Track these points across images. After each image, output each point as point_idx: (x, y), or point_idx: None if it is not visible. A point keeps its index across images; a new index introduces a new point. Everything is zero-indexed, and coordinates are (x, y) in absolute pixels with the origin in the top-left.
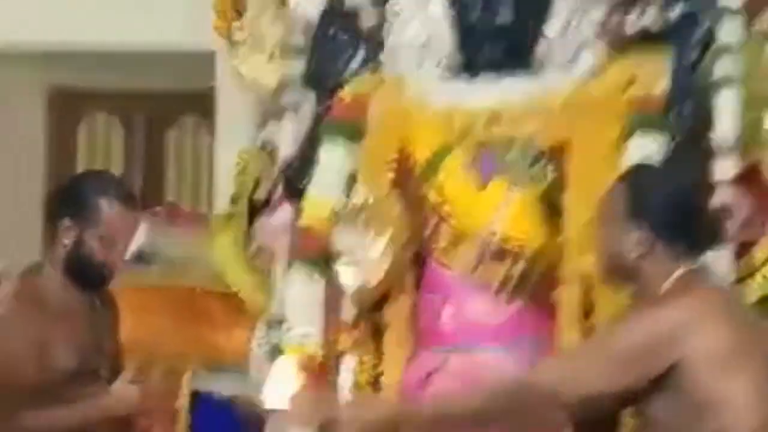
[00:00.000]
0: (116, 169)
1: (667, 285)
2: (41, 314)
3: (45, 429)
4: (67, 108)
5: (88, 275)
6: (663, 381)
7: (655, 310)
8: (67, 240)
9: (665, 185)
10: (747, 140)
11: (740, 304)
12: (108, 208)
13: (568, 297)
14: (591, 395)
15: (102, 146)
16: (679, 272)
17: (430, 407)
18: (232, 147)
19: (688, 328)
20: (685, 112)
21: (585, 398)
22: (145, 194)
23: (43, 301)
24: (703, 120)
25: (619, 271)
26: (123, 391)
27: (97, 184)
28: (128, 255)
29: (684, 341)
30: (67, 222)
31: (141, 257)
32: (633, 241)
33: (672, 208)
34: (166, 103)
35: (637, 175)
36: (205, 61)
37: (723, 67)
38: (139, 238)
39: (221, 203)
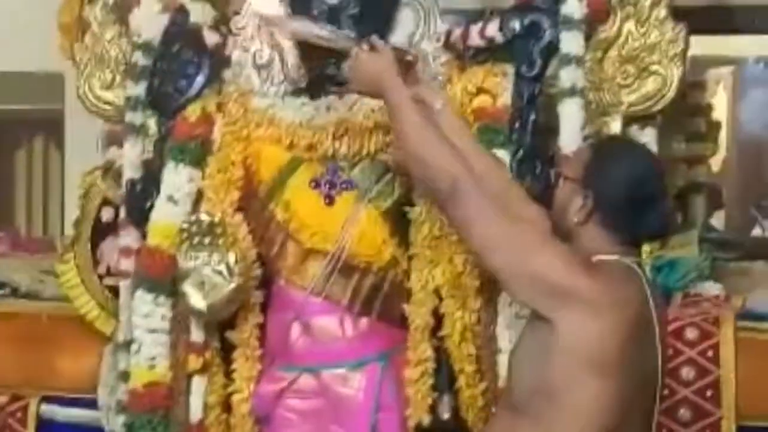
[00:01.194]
0: None
1: (601, 256)
2: None
3: None
4: None
5: None
6: (535, 326)
7: (580, 268)
8: None
9: (621, 163)
10: None
11: (648, 313)
12: None
13: (417, 310)
14: (491, 266)
15: None
16: (607, 257)
17: (409, 109)
18: (82, 169)
19: (582, 306)
20: (530, 123)
21: (485, 262)
22: None
23: None
24: (548, 130)
25: (559, 229)
26: None
27: None
28: None
29: (570, 311)
30: None
31: None
32: (576, 205)
33: (618, 189)
34: (13, 124)
35: (605, 144)
36: (55, 82)
37: (567, 76)
38: None
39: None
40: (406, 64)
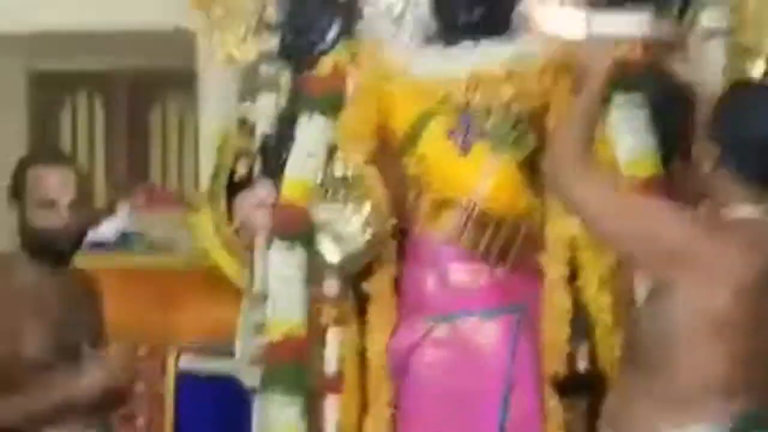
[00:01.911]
0: (100, 149)
1: (737, 213)
2: (10, 302)
3: (17, 419)
4: (49, 90)
5: (42, 246)
6: (657, 297)
7: (704, 230)
8: (18, 220)
9: (744, 106)
10: None
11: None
12: (33, 172)
13: (553, 261)
14: (606, 238)
15: (85, 127)
16: (742, 214)
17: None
18: (216, 124)
19: (704, 268)
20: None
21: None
22: (130, 174)
23: (12, 287)
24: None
25: (693, 181)
26: (90, 376)
27: (25, 157)
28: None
29: (690, 275)
30: (14, 204)
31: (123, 239)
32: (706, 153)
33: (739, 129)
34: (147, 82)
35: (728, 92)
36: (186, 39)
37: (709, 18)
38: (121, 221)
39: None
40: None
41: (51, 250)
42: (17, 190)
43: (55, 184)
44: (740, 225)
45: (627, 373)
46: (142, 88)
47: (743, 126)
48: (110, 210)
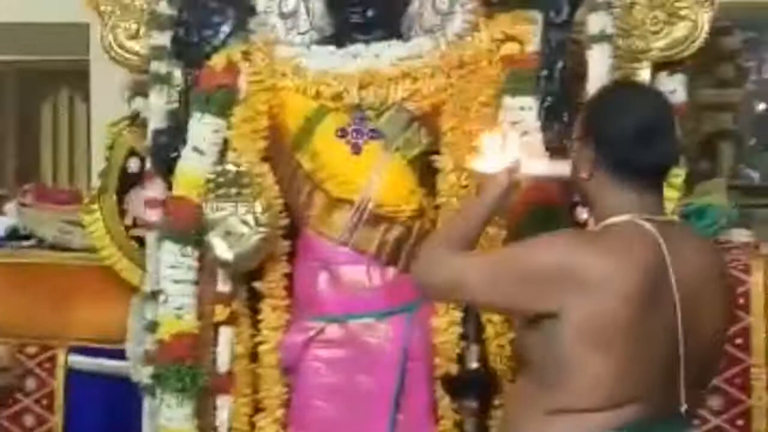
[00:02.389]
0: None
1: (612, 219)
2: None
3: None
4: None
5: None
6: (541, 321)
7: (574, 246)
8: None
9: (615, 101)
10: None
11: (657, 277)
12: None
13: None
14: (482, 304)
15: None
16: (621, 218)
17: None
18: (107, 120)
19: (583, 285)
20: (558, 70)
21: (477, 304)
22: (20, 170)
23: None
24: (577, 77)
25: (578, 193)
26: None
27: None
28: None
29: (572, 294)
30: None
31: (13, 235)
32: (582, 159)
33: (617, 124)
34: (39, 76)
35: (598, 91)
36: (80, 33)
37: (595, 22)
38: (9, 218)
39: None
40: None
41: None
42: None
43: None
44: (614, 233)
45: (519, 386)
46: (34, 81)
47: (612, 122)
48: None
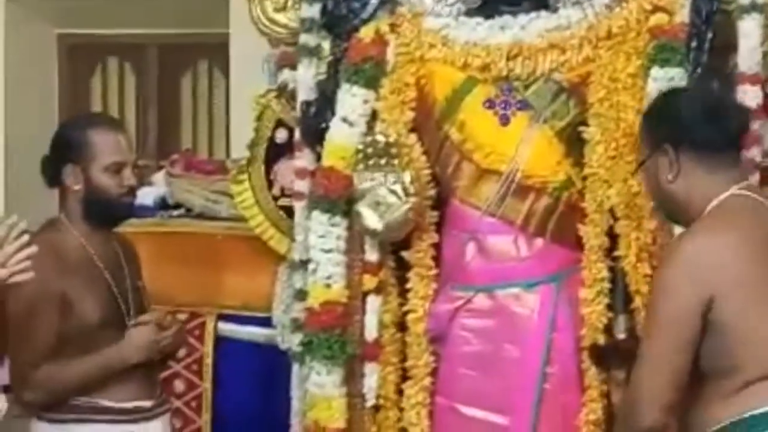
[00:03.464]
0: (130, 116)
1: (710, 209)
2: (61, 269)
3: (70, 382)
4: (79, 56)
5: (110, 210)
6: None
7: (680, 259)
8: (77, 186)
9: (666, 103)
10: None
11: None
12: (99, 137)
13: (593, 231)
14: (669, 390)
15: (116, 94)
16: (720, 198)
17: None
18: (247, 92)
19: (716, 265)
20: (708, 41)
21: (669, 398)
22: (160, 141)
23: (62, 255)
24: (727, 47)
25: (667, 209)
26: (137, 337)
27: (81, 122)
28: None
29: (712, 279)
30: (69, 168)
31: (162, 205)
32: (662, 167)
33: (679, 118)
34: (179, 49)
35: (654, 103)
36: (218, 6)
37: None
38: (159, 188)
39: (238, 148)
40: None
41: (115, 213)
42: (76, 154)
43: (123, 149)
44: (725, 209)
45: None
46: (173, 54)
47: (684, 110)
48: (142, 176)
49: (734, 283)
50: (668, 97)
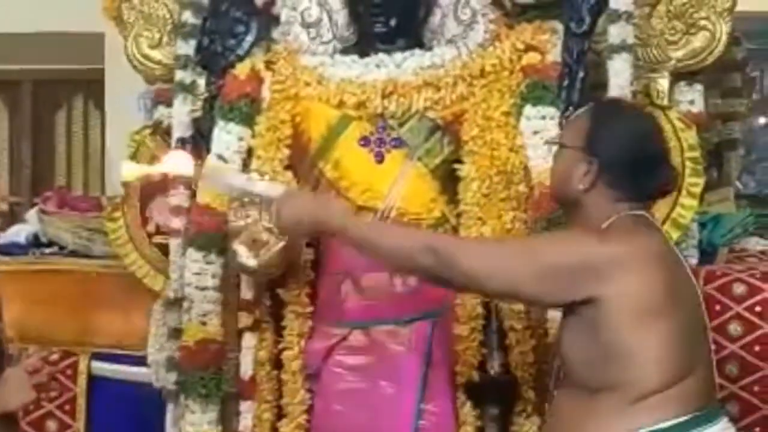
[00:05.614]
0: (3, 153)
1: (605, 225)
2: None
3: None
4: None
5: None
6: (576, 313)
7: (591, 239)
8: None
9: (622, 126)
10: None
11: (674, 252)
12: None
13: None
14: (510, 294)
15: None
16: (617, 216)
17: (367, 230)
18: (122, 128)
19: (615, 269)
20: (579, 80)
21: (504, 294)
22: (34, 178)
23: None
24: (598, 86)
25: (563, 199)
26: (14, 387)
27: None
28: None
29: (607, 280)
30: None
31: (35, 243)
32: (580, 173)
33: (624, 150)
34: (53, 84)
35: (602, 109)
36: (95, 42)
37: (616, 32)
38: (32, 225)
39: (113, 185)
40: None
41: None
42: None
43: None
44: (622, 220)
45: (573, 407)
46: (48, 90)
47: (619, 148)
48: (14, 214)
49: (625, 295)
50: (625, 121)
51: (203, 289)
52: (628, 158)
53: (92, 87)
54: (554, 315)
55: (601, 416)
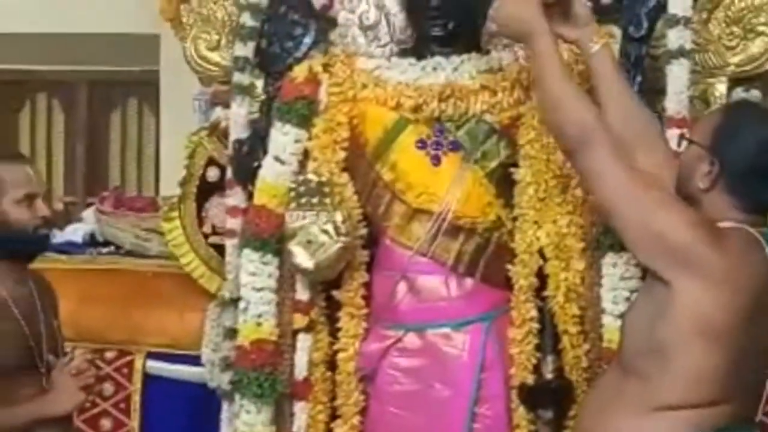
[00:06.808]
0: (58, 153)
1: (723, 224)
2: None
3: None
4: (8, 92)
5: (22, 243)
6: (651, 292)
7: (706, 235)
8: None
9: (749, 132)
10: (696, 111)
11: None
12: (6, 172)
13: (522, 271)
14: (618, 227)
15: (44, 131)
16: (733, 224)
17: (552, 59)
18: (176, 130)
19: (704, 276)
20: (637, 84)
21: (610, 219)
22: (88, 178)
23: None
24: (655, 91)
25: (684, 194)
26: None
27: None
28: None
29: (691, 278)
30: None
31: (91, 242)
32: (702, 171)
33: (746, 156)
34: (109, 86)
35: (735, 111)
36: (150, 44)
37: (674, 37)
38: (88, 223)
39: (167, 186)
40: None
41: (31, 247)
42: None
43: (32, 181)
44: (737, 233)
45: (612, 378)
46: (103, 91)
47: (745, 156)
48: (68, 213)
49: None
50: (753, 128)
51: (259, 289)
52: (749, 165)
53: (147, 89)
54: (609, 320)
55: (624, 401)
